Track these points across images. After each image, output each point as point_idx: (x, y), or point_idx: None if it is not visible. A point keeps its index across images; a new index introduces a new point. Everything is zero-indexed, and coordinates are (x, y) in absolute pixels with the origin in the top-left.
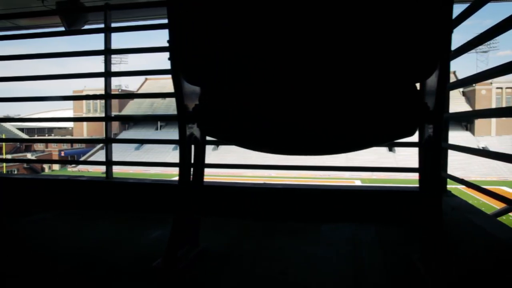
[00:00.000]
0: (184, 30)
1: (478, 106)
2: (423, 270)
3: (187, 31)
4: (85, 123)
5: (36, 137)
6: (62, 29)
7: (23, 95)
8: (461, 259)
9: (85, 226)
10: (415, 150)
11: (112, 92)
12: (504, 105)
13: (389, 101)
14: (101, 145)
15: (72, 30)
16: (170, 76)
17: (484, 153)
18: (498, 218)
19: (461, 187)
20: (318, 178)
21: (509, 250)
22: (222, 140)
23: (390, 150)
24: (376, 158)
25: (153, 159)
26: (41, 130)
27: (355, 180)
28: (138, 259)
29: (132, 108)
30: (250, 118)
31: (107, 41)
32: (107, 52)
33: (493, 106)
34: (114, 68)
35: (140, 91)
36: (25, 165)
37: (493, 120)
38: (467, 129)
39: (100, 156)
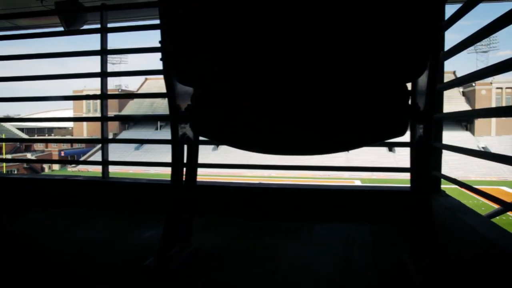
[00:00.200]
0: (175, 31)
1: (478, 106)
2: (413, 270)
3: (179, 32)
4: (85, 123)
5: (36, 137)
6: (61, 29)
7: (23, 95)
8: (452, 259)
9: (80, 226)
10: None
11: (112, 92)
12: (503, 105)
13: (378, 101)
14: (100, 145)
15: (71, 30)
16: None
17: (477, 153)
18: (498, 218)
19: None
20: (318, 178)
21: (498, 251)
22: (215, 140)
23: (390, 150)
24: (376, 158)
25: (153, 159)
26: (41, 130)
27: (355, 180)
28: (132, 258)
29: (132, 108)
30: (241, 118)
31: (103, 41)
32: (103, 52)
33: (493, 106)
34: (114, 68)
35: (140, 91)
36: (25, 165)
37: (493, 120)
38: (467, 129)
39: (100, 156)
